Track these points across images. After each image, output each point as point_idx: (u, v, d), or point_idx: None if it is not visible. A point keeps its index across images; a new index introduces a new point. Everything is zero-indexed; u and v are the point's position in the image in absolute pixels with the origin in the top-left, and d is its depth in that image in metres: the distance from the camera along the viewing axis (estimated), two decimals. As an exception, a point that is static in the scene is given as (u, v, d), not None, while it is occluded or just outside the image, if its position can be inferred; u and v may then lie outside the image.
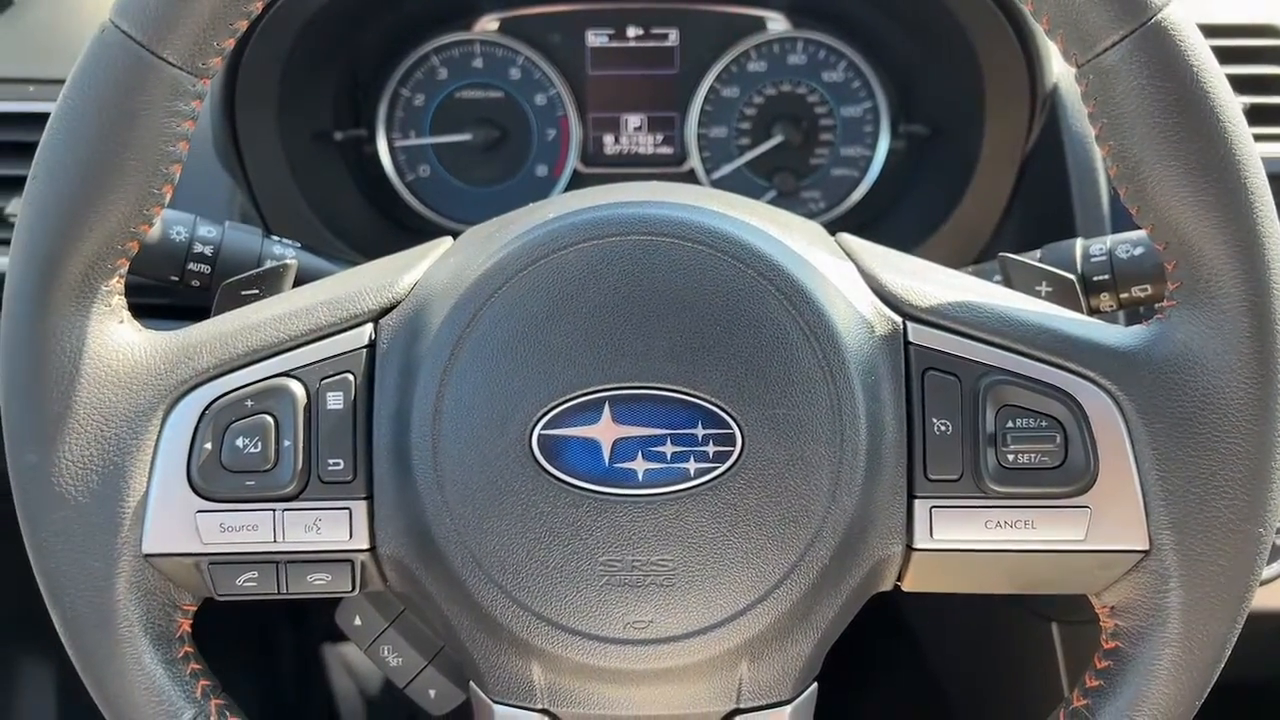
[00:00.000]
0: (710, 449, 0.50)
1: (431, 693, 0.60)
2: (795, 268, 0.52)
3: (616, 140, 0.98)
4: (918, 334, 0.52)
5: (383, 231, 0.93)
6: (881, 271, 0.54)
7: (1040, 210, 0.86)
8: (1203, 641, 0.51)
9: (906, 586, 0.54)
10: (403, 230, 0.95)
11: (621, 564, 0.50)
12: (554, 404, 0.50)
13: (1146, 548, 0.51)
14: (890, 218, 0.97)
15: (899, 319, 0.53)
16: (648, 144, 0.98)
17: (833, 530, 0.50)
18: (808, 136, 0.97)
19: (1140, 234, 0.67)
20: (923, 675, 1.01)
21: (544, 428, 0.50)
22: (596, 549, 0.50)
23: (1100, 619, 0.54)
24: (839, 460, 0.50)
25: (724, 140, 0.98)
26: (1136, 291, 0.65)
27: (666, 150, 0.98)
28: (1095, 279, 0.66)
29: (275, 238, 0.70)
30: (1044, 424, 0.51)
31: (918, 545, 0.52)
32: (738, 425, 0.50)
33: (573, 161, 0.97)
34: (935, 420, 0.52)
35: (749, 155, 0.98)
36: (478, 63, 0.96)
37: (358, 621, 0.60)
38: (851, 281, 0.54)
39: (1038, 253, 0.68)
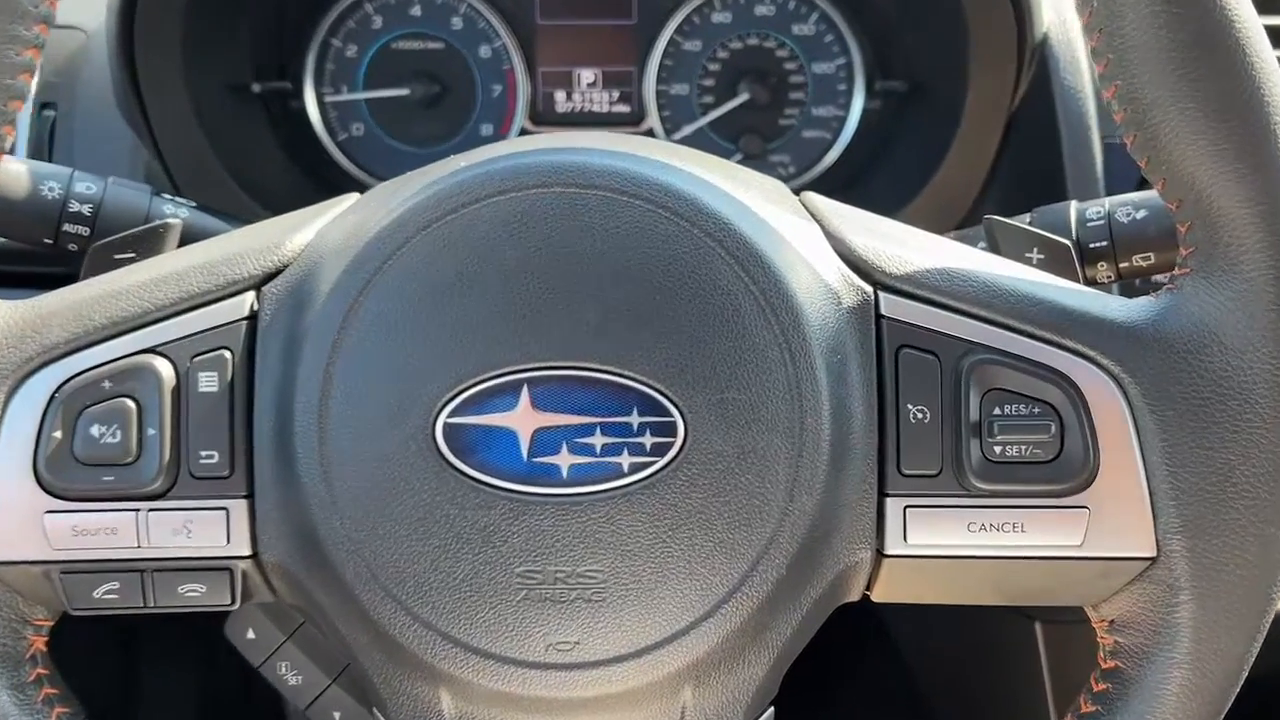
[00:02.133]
0: (647, 440, 0.42)
1: (336, 715, 0.53)
2: (749, 227, 0.44)
3: (568, 97, 0.90)
4: (891, 305, 0.45)
5: (310, 196, 0.85)
6: (850, 234, 0.47)
7: (1028, 173, 0.79)
8: (1216, 663, 0.44)
9: (877, 596, 0.47)
10: (332, 194, 0.87)
11: (542, 576, 0.42)
12: (462, 387, 0.43)
13: (1153, 554, 0.44)
14: (865, 183, 0.90)
15: (869, 288, 0.45)
16: (602, 101, 0.90)
17: (791, 534, 0.43)
18: (776, 95, 0.90)
19: (1142, 195, 0.59)
20: (895, 680, 0.94)
21: (450, 415, 0.42)
22: (513, 558, 0.42)
23: (1098, 634, 0.47)
24: (798, 453, 0.43)
25: (685, 98, 0.91)
26: (1138, 260, 0.58)
27: (623, 108, 0.90)
28: (1092, 246, 0.58)
29: (167, 196, 0.62)
30: (1036, 411, 0.44)
31: (889, 550, 0.45)
32: (679, 412, 0.42)
33: (520, 120, 0.90)
34: (911, 406, 0.44)
35: (712, 115, 0.91)
36: (416, 10, 0.88)
37: (251, 635, 0.52)
38: (815, 245, 0.46)
39: (1027, 217, 0.61)
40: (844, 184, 0.90)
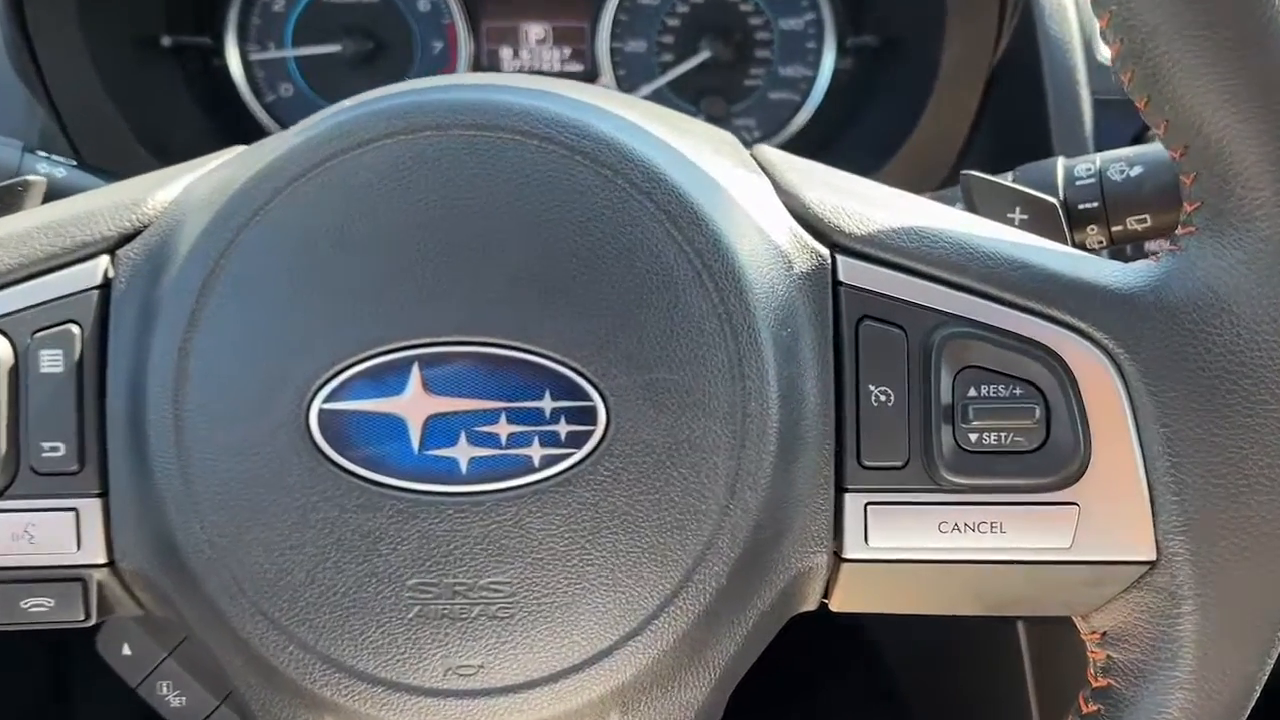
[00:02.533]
0: (561, 429, 0.36)
1: (226, 740, 0.46)
2: (685, 179, 0.38)
3: (515, 54, 0.83)
4: (851, 271, 0.39)
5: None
6: (805, 189, 0.40)
7: (1012, 133, 0.73)
8: (1223, 683, 0.38)
9: (836, 606, 0.41)
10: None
11: (439, 589, 0.36)
12: (340, 367, 0.36)
13: (1152, 558, 0.38)
14: (836, 148, 0.84)
15: (826, 251, 0.39)
16: (552, 59, 0.84)
17: (732, 537, 0.37)
18: (740, 53, 0.85)
19: (1138, 150, 0.53)
20: (870, 680, 0.88)
21: (327, 401, 0.36)
22: (404, 569, 0.36)
23: (1088, 648, 0.41)
24: (740, 442, 0.37)
25: (642, 56, 0.85)
26: (1133, 223, 0.52)
27: (575, 67, 0.84)
28: (1081, 207, 0.52)
29: (44, 154, 0.55)
30: (1018, 392, 0.38)
31: (849, 554, 0.39)
32: (600, 396, 0.36)
33: (463, 79, 0.83)
34: (873, 387, 0.38)
35: (671, 74, 0.85)
36: (348, -41, 0.82)
37: (126, 651, 0.46)
38: (763, 201, 0.40)
39: (1009, 175, 0.54)
40: (813, 149, 0.84)
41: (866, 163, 0.78)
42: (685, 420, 0.36)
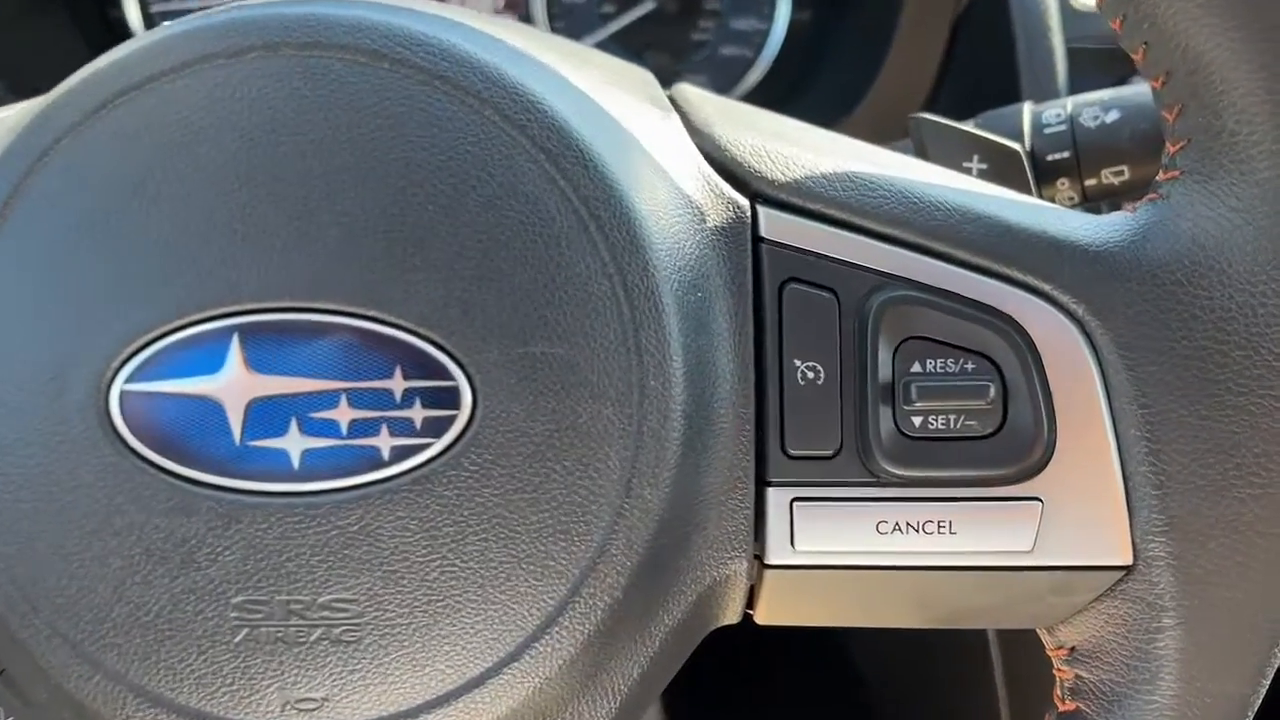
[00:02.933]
0: (416, 414, 0.30)
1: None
2: (572, 112, 0.31)
3: (442, 4, 0.77)
4: (774, 224, 0.33)
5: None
6: (723, 128, 0.34)
7: (979, 83, 0.67)
8: (1210, 709, 0.33)
9: (763, 618, 0.35)
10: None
11: (270, 608, 0.30)
12: (144, 341, 0.30)
13: (1128, 563, 0.32)
14: (792, 109, 0.77)
15: (745, 202, 0.33)
16: (483, 8, 0.77)
17: (628, 543, 0.31)
18: (688, 4, 0.79)
19: (1114, 93, 0.47)
20: (821, 703, 0.83)
21: (129, 381, 0.30)
22: (227, 584, 0.30)
23: (1054, 665, 0.35)
24: (637, 428, 0.30)
25: (582, 6, 0.79)
26: (1108, 176, 0.46)
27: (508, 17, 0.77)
28: (1050, 159, 0.46)
29: None
30: (970, 367, 0.32)
31: (773, 559, 0.33)
32: (464, 374, 0.30)
33: (385, 32, 0.76)
34: (799, 362, 0.32)
35: (613, 26, 0.79)
36: (257, -99, 0.75)
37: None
38: (672, 141, 0.34)
39: (970, 123, 0.48)
40: (768, 108, 0.78)
41: (824, 121, 0.72)
42: (569, 403, 0.30)
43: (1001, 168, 0.42)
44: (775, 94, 0.79)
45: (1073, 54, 0.64)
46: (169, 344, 0.30)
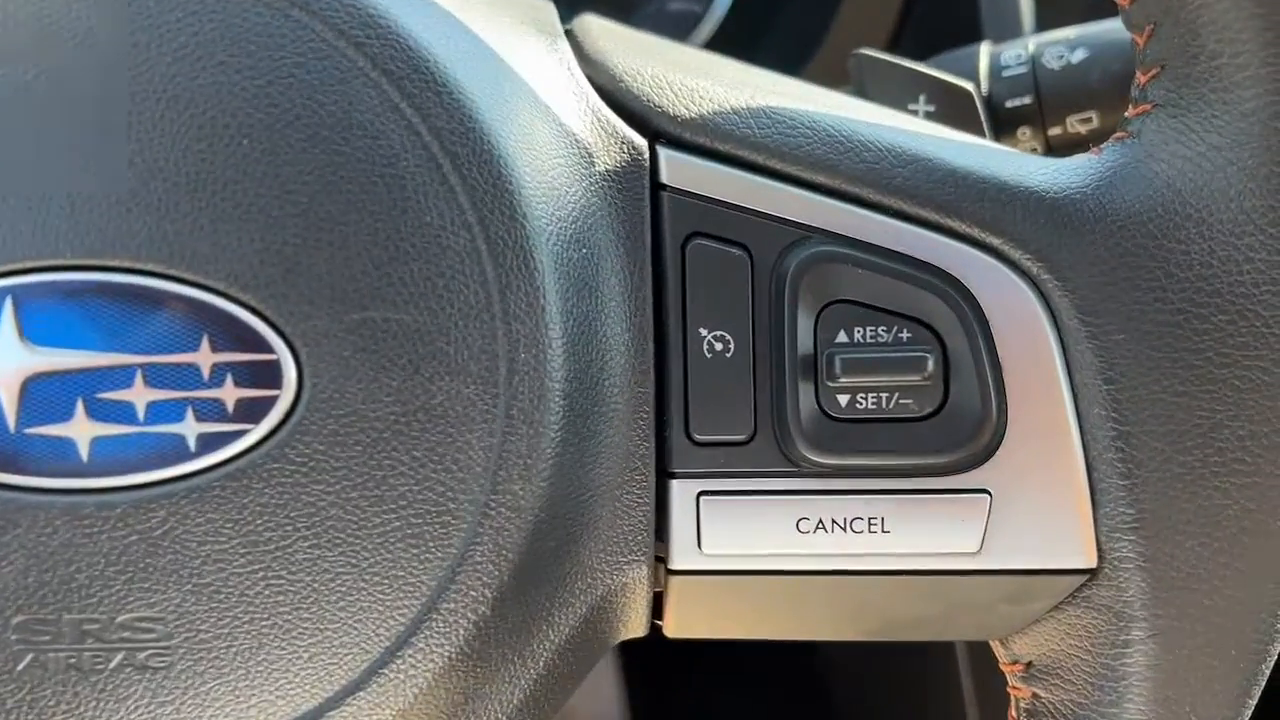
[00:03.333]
0: (229, 394, 0.25)
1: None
2: (424, 31, 0.26)
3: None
4: (677, 168, 0.28)
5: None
6: (621, 57, 0.29)
7: (942, 26, 0.62)
8: None
9: (672, 630, 0.30)
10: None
11: (58, 629, 0.25)
12: None
13: (1092, 565, 0.28)
14: (745, 60, 0.72)
15: (643, 142, 0.28)
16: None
17: (497, 546, 0.26)
18: None
19: (1080, 30, 0.42)
20: (782, 685, 0.78)
21: None
22: (4, 601, 0.25)
23: (1009, 681, 0.31)
24: (505, 411, 0.26)
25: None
26: (1075, 124, 0.41)
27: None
28: (1009, 105, 0.41)
29: None
30: (905, 336, 0.27)
31: (678, 563, 0.28)
32: (287, 345, 0.25)
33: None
34: (705, 331, 0.28)
35: (551, -24, 0.71)
36: None
37: None
38: (558, 72, 0.29)
39: (920, 66, 0.43)
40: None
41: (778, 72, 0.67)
42: (419, 380, 0.25)
43: (952, 110, 0.37)
44: (729, 49, 0.74)
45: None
46: None
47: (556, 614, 0.28)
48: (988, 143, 0.30)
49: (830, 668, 0.80)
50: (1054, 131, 0.41)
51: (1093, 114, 0.41)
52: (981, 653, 0.68)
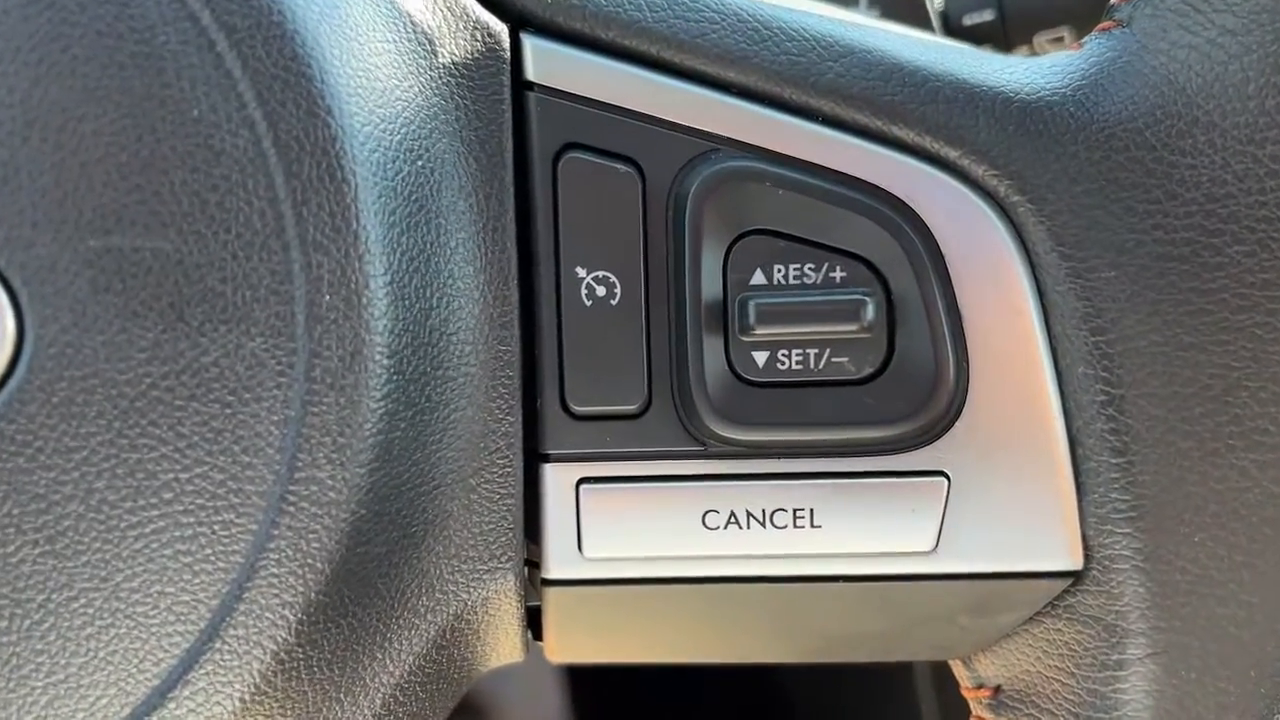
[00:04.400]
0: None
1: None
2: None
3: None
4: (547, 62, 0.22)
5: None
6: None
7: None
8: None
9: (554, 654, 0.24)
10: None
11: None
12: None
13: (1077, 566, 0.22)
14: None
15: (503, 27, 0.22)
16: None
17: (298, 553, 0.20)
18: None
19: None
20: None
21: None
22: None
23: (972, 709, 0.25)
24: (306, 372, 0.19)
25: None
26: (1044, 43, 0.35)
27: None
28: (967, 22, 0.35)
29: None
30: (837, 275, 0.22)
31: (555, 570, 0.22)
32: (3, 284, 0.18)
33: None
34: (583, 272, 0.21)
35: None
36: None
37: None
38: None
39: None
40: None
41: None
42: (185, 330, 0.19)
43: (900, 20, 0.31)
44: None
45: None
46: None
47: (393, 641, 0.22)
48: (942, 39, 0.24)
49: (784, 687, 0.74)
50: (1019, 50, 0.35)
51: (1065, 31, 0.35)
52: (945, 670, 0.62)
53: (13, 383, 0.18)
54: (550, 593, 0.23)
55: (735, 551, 0.22)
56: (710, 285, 0.21)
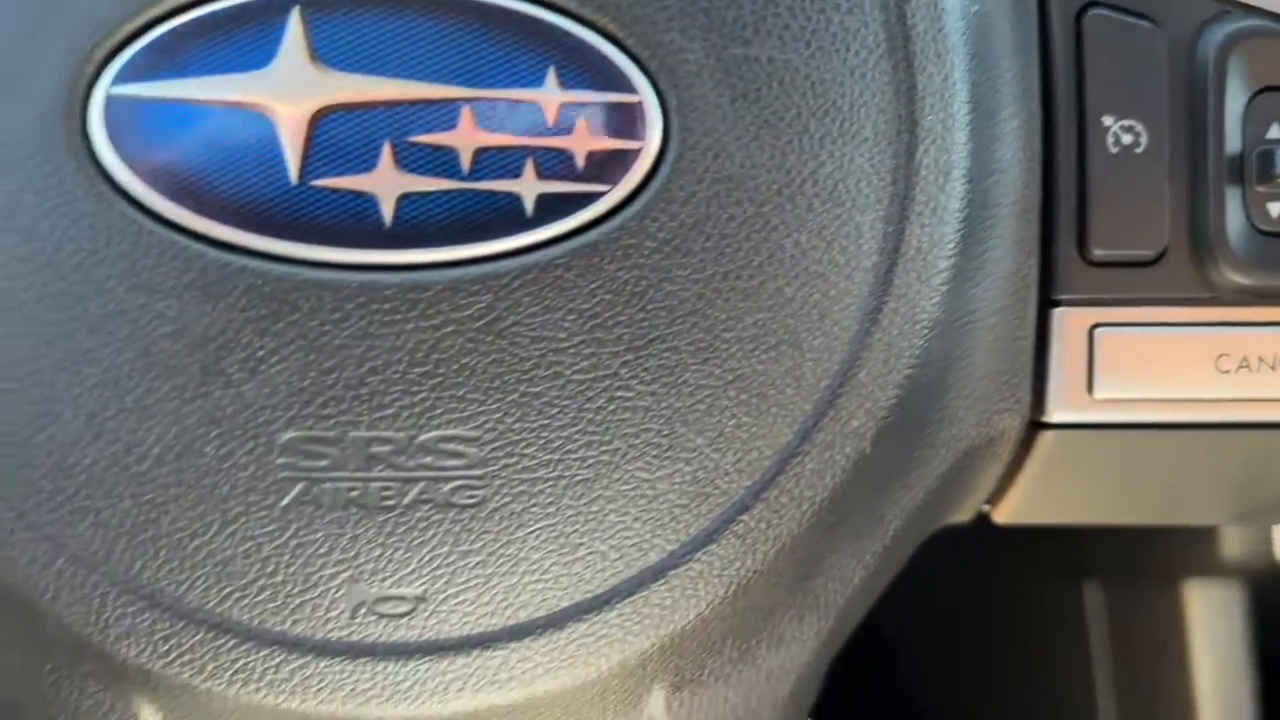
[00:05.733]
0: (579, 144, 0.19)
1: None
2: None
3: None
4: None
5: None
6: None
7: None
8: None
9: (1006, 514, 0.25)
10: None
11: (344, 450, 0.19)
12: (143, 18, 0.19)
13: None
14: None
15: None
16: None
17: (885, 366, 0.20)
18: None
19: None
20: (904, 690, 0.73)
21: (120, 82, 0.19)
22: (272, 411, 0.19)
23: None
24: (906, 190, 0.20)
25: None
26: None
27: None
28: None
29: None
30: None
31: (1057, 414, 0.23)
32: (652, 84, 0.19)
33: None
34: (1110, 121, 0.23)
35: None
36: None
37: None
38: None
39: None
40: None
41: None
42: (809, 142, 0.20)
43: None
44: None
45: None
46: (184, 24, 0.19)
47: (915, 473, 0.22)
48: None
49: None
50: None
51: None
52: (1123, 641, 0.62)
53: (657, 180, 0.19)
54: (1045, 439, 0.23)
55: (1248, 395, 0.23)
56: (1231, 138, 0.22)
